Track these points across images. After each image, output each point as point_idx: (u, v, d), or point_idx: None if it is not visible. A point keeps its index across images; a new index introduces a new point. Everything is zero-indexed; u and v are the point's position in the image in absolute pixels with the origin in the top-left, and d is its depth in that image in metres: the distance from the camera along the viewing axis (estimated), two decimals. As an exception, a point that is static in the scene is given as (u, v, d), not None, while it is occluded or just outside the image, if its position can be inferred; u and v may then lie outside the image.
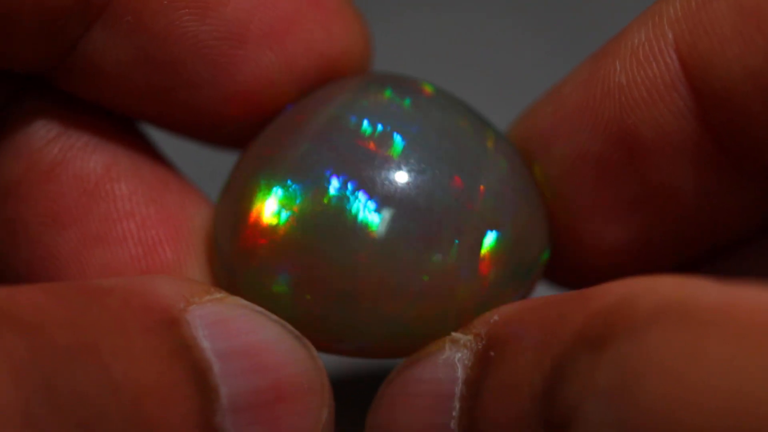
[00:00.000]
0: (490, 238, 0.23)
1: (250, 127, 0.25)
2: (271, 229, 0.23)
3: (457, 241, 0.23)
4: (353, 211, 0.23)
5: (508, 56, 0.44)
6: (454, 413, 0.22)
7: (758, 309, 0.17)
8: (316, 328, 0.23)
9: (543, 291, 0.26)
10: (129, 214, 0.25)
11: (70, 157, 0.25)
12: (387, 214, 0.23)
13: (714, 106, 0.23)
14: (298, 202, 0.23)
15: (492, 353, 0.22)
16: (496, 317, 0.23)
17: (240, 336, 0.22)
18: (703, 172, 0.24)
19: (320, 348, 0.23)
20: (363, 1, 0.27)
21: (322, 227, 0.23)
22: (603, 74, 0.24)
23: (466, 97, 0.26)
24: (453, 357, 0.23)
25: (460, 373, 0.22)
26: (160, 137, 0.27)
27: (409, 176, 0.23)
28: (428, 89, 0.25)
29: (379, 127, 0.24)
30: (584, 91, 0.25)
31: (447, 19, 0.46)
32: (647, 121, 0.24)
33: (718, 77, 0.23)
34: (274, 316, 0.22)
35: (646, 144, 0.24)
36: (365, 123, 0.24)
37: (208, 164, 0.33)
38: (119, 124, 0.26)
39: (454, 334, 0.23)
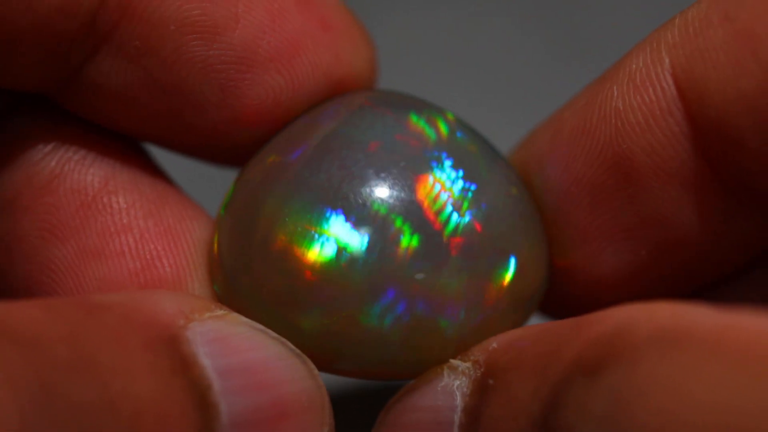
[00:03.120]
0: (497, 267, 0.23)
1: (253, 145, 0.25)
2: (275, 249, 0.23)
3: (464, 268, 0.23)
4: (360, 234, 0.23)
5: (507, 59, 0.44)
6: None
7: (754, 336, 0.17)
8: (316, 348, 0.23)
9: (537, 320, 0.26)
10: (127, 228, 0.25)
11: (68, 171, 0.25)
12: (393, 237, 0.23)
13: (709, 132, 0.23)
14: (303, 223, 0.23)
15: (491, 381, 0.22)
16: (494, 344, 0.23)
17: (240, 353, 0.21)
18: (698, 199, 0.24)
19: (320, 368, 0.23)
20: (360, 2, 0.27)
21: (330, 249, 0.23)
22: (600, 99, 0.24)
23: (464, 103, 0.26)
24: (452, 384, 0.23)
25: (459, 400, 0.22)
26: (157, 150, 0.27)
27: (417, 201, 0.23)
28: (438, 112, 0.25)
29: (386, 147, 0.23)
30: (581, 116, 0.25)
31: (445, 21, 0.45)
32: (643, 147, 0.24)
33: (713, 103, 0.23)
34: (275, 334, 0.22)
35: (641, 169, 0.24)
36: (370, 142, 0.24)
37: (206, 177, 0.33)
38: (117, 137, 0.26)
39: (452, 361, 0.23)
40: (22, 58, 0.23)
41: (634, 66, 0.24)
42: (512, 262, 0.24)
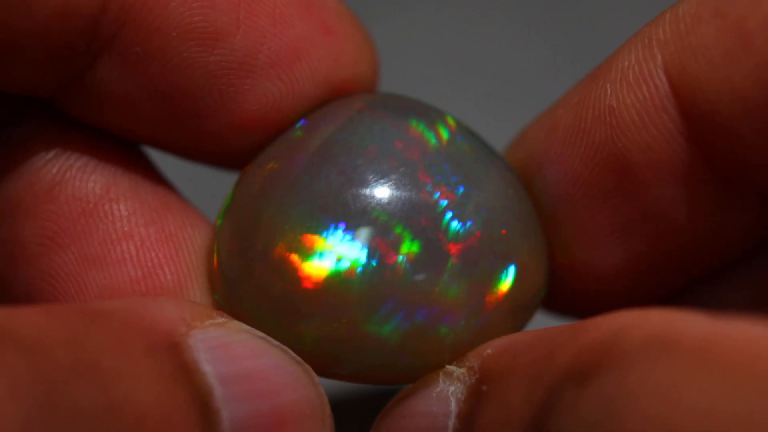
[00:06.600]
0: (497, 272, 0.23)
1: (253, 149, 0.25)
2: (275, 258, 0.23)
3: (465, 274, 0.23)
4: (360, 241, 0.23)
5: (508, 60, 0.44)
6: None
7: (744, 344, 0.17)
8: (316, 354, 0.23)
9: (538, 317, 0.26)
10: (128, 236, 0.25)
11: (69, 177, 0.25)
12: (393, 242, 0.23)
13: (703, 128, 0.23)
14: (303, 231, 0.23)
15: (484, 387, 0.22)
16: (489, 350, 0.23)
17: (242, 361, 0.22)
18: (694, 195, 0.24)
19: (318, 373, 0.23)
20: (361, 3, 0.27)
21: (329, 257, 0.23)
22: (594, 97, 0.24)
23: (463, 103, 0.26)
24: (447, 390, 0.23)
25: (453, 406, 0.22)
26: (158, 156, 0.27)
27: (417, 207, 0.23)
28: (438, 117, 0.25)
29: (384, 152, 0.24)
30: (575, 114, 0.25)
31: (446, 22, 0.45)
32: (638, 144, 0.24)
33: (707, 99, 0.23)
34: (276, 342, 0.22)
35: (636, 167, 0.24)
36: (369, 147, 0.24)
37: (207, 182, 0.33)
38: (119, 144, 0.26)
39: (448, 366, 0.23)
40: (23, 62, 0.23)
41: (626, 63, 0.24)
42: (512, 267, 0.24)
